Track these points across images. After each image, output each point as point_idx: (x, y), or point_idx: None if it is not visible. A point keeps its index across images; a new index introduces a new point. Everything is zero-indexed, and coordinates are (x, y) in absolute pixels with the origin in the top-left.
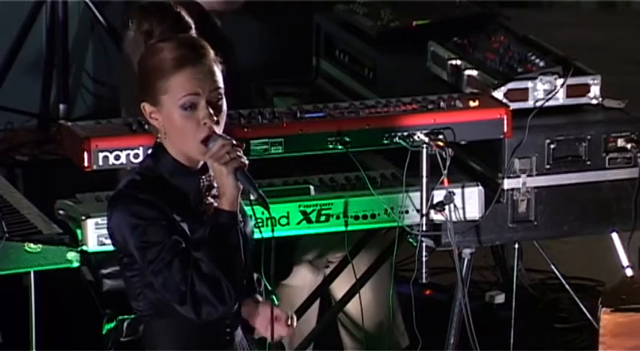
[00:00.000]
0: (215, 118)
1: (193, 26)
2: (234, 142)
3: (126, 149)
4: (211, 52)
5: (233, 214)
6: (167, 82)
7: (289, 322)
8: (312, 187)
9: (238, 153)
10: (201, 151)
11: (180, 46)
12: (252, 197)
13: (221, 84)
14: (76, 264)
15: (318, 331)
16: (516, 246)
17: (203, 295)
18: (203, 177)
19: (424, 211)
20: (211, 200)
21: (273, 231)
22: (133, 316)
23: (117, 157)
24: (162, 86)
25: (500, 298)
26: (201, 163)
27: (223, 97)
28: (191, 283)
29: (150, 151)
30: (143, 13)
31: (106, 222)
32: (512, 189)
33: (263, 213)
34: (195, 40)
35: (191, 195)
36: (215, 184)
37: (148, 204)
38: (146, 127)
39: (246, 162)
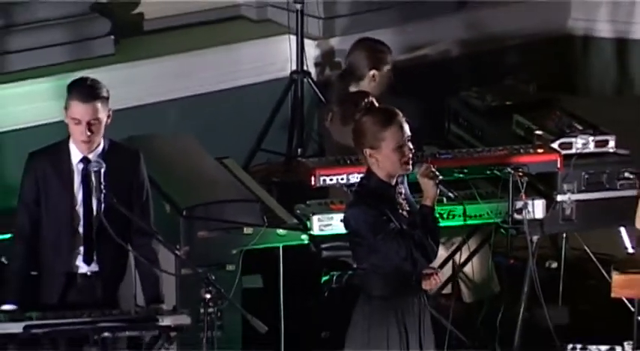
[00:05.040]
0: (411, 154)
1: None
2: (430, 165)
3: (337, 175)
4: (399, 114)
5: (433, 208)
6: (382, 133)
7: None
8: (444, 199)
9: (435, 171)
10: (404, 169)
11: (383, 112)
12: (450, 196)
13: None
14: (306, 242)
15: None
16: (564, 235)
17: (417, 256)
18: (397, 188)
19: (510, 213)
20: (402, 202)
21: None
22: (339, 272)
23: (331, 179)
24: (378, 136)
25: (554, 265)
26: (394, 180)
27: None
28: (410, 249)
29: (364, 176)
30: (356, 98)
31: (326, 217)
32: (562, 201)
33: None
34: (388, 107)
35: (392, 199)
36: (402, 192)
37: (373, 206)
38: (347, 161)
39: (440, 176)
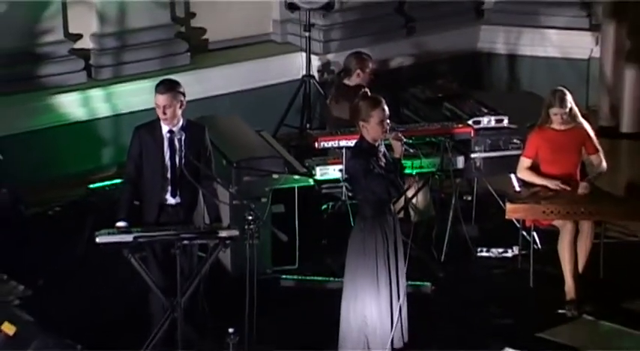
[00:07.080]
0: (388, 127)
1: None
2: (399, 132)
3: (332, 141)
4: (383, 100)
5: (400, 159)
6: (372, 112)
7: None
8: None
9: (402, 137)
10: (383, 136)
11: (373, 98)
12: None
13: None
14: (312, 183)
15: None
16: (476, 179)
17: (392, 190)
18: (378, 149)
19: (442, 165)
20: (381, 157)
21: (413, 169)
22: (333, 203)
23: (328, 144)
24: (369, 114)
25: (469, 198)
26: (377, 143)
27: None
28: (388, 186)
29: (358, 139)
30: (357, 90)
31: (325, 168)
32: (475, 157)
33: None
34: (376, 96)
35: (375, 156)
36: (382, 151)
37: (364, 158)
38: (339, 132)
39: (404, 139)
